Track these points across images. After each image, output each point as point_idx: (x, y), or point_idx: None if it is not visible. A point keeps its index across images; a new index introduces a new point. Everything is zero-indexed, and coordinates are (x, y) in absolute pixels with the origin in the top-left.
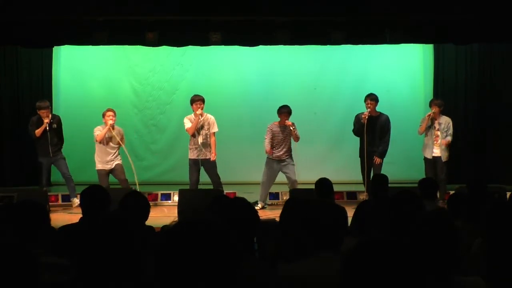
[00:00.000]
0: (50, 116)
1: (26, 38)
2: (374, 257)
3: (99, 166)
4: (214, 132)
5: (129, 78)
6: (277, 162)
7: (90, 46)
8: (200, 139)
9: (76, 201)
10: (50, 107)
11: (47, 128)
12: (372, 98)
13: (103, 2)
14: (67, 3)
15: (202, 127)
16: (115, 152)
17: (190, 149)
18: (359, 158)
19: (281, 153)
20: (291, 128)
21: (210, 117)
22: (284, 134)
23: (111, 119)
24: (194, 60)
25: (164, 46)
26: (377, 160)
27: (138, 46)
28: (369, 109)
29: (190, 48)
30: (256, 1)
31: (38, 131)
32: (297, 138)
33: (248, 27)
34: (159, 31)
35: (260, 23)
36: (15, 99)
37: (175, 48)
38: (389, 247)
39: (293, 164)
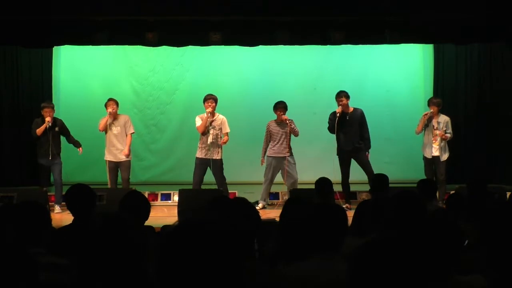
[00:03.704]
0: (52, 116)
1: (26, 38)
2: (383, 256)
3: (106, 156)
4: (227, 133)
5: (129, 78)
6: (277, 159)
7: (90, 46)
8: (209, 139)
9: (58, 208)
10: (53, 109)
11: (48, 127)
12: (342, 95)
13: (103, 2)
14: (67, 3)
15: (212, 126)
16: (122, 143)
17: (199, 148)
18: (337, 156)
19: (280, 149)
20: (287, 122)
21: (222, 118)
22: (282, 130)
23: (112, 107)
24: (194, 60)
25: (164, 46)
26: (367, 156)
27: (138, 46)
28: (340, 106)
29: (190, 48)
30: (256, 1)
31: (39, 130)
32: (295, 133)
33: (248, 27)
34: (159, 31)
35: (260, 23)
36: (15, 99)
37: (175, 48)
38: (398, 246)
39: (294, 163)
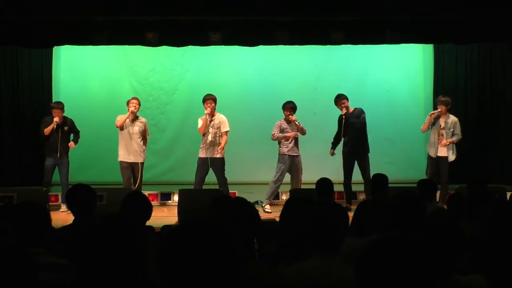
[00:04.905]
0: (61, 117)
1: (26, 38)
2: (388, 256)
3: (120, 157)
4: (226, 132)
5: (129, 78)
6: (291, 158)
7: (90, 46)
8: (209, 138)
9: (64, 207)
10: (63, 109)
11: (55, 127)
12: (344, 98)
13: (103, 2)
14: (67, 3)
15: (212, 125)
16: (139, 144)
17: (201, 147)
18: (347, 158)
19: (289, 148)
20: (296, 123)
21: (222, 117)
22: (292, 130)
23: (134, 106)
24: (194, 60)
25: (164, 46)
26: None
27: (138, 46)
28: (344, 109)
29: (190, 48)
30: (256, 1)
31: (46, 130)
32: (303, 132)
33: (248, 27)
34: (159, 31)
35: (260, 23)
36: (15, 99)
37: (175, 48)
38: (401, 246)
39: (300, 162)
